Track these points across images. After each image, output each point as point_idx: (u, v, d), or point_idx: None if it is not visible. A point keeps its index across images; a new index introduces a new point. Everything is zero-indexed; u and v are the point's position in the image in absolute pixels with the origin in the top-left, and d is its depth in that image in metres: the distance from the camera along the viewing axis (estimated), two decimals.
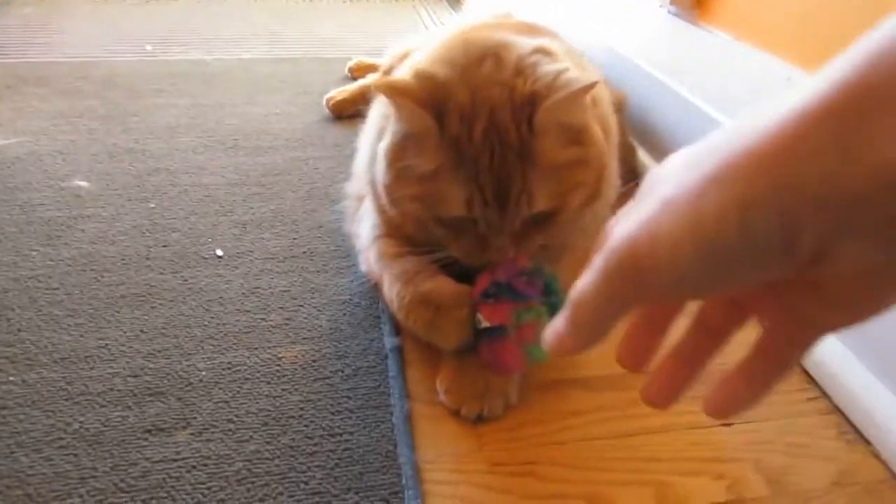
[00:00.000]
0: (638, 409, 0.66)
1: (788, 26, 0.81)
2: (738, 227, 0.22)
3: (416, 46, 1.07)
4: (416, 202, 0.61)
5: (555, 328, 0.29)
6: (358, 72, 1.37)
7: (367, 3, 2.11)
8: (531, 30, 0.76)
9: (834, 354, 0.69)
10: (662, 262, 0.24)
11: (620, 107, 0.96)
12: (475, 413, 0.62)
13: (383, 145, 0.63)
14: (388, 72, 1.09)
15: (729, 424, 0.65)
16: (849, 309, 0.25)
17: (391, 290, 0.67)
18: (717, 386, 0.30)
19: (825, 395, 0.69)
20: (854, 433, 0.64)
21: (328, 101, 1.23)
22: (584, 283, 0.27)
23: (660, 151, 1.02)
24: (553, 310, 0.59)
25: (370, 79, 1.16)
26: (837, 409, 0.67)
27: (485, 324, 0.60)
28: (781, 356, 0.28)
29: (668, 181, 0.24)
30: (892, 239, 0.21)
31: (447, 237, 0.63)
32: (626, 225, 0.25)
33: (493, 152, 0.57)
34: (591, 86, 0.57)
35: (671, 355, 0.32)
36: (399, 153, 0.61)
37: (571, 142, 0.60)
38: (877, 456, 0.62)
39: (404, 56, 1.03)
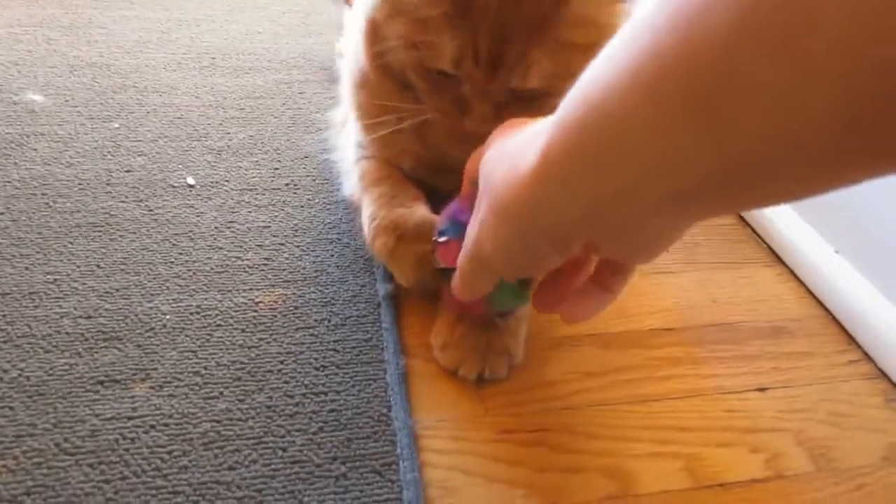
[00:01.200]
0: (662, 370, 0.59)
1: None
2: (525, 247, 0.36)
3: None
4: (402, 45, 0.54)
5: (454, 283, 0.46)
6: None
7: None
8: None
9: (877, 311, 0.62)
10: (493, 258, 0.39)
11: None
12: (475, 373, 0.55)
13: None
14: None
15: (763, 389, 0.58)
16: (635, 256, 0.36)
17: (365, 213, 0.61)
18: (573, 297, 0.43)
19: (868, 357, 0.62)
20: None
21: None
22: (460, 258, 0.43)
23: None
24: None
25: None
26: (883, 374, 0.60)
27: (441, 264, 0.51)
28: (615, 270, 0.42)
29: (487, 197, 0.37)
30: (621, 227, 0.31)
31: (427, 91, 0.56)
32: (472, 229, 0.40)
33: (503, 8, 0.50)
34: None
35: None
36: None
37: (590, 29, 0.52)
38: None
39: None
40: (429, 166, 0.64)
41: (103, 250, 0.63)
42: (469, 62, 0.51)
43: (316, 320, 0.58)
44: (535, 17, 0.50)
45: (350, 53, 0.67)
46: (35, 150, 0.77)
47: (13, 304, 0.56)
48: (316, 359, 0.54)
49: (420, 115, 0.57)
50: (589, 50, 0.51)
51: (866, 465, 0.53)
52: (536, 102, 0.54)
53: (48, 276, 0.59)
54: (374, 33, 0.56)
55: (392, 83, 0.59)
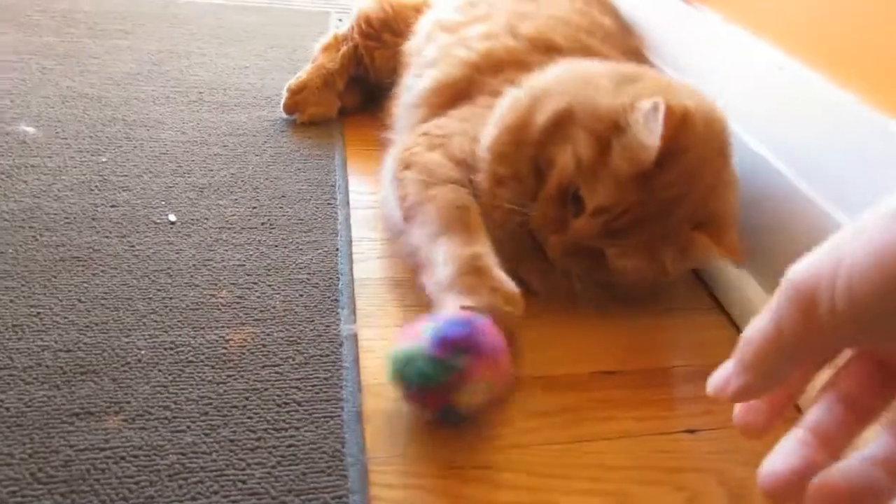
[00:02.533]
0: (600, 411, 0.63)
1: (779, 11, 0.77)
2: None
3: (407, 2, 1.01)
4: (574, 163, 0.65)
5: (722, 370, 0.27)
6: None
7: None
8: None
9: None
10: (840, 290, 0.21)
11: None
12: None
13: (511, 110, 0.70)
14: (372, 37, 1.02)
15: (693, 431, 0.63)
16: None
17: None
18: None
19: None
20: None
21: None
22: (758, 318, 0.25)
23: None
24: None
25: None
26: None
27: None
28: None
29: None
30: None
31: (545, 200, 0.67)
32: (810, 256, 0.23)
33: (666, 201, 0.63)
34: None
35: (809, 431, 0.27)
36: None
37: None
38: None
39: (390, 22, 0.98)
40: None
41: (85, 285, 0.67)
42: (604, 216, 0.63)
43: (281, 358, 0.62)
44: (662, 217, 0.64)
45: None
46: (25, 182, 0.81)
47: None
48: (279, 395, 0.58)
49: (523, 207, 0.68)
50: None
51: None
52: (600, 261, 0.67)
53: (31, 309, 0.63)
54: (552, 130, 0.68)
55: (528, 169, 0.69)
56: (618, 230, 0.64)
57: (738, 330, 0.75)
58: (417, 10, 1.01)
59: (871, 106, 0.63)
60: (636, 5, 1.02)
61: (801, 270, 0.23)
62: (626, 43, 0.90)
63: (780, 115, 0.75)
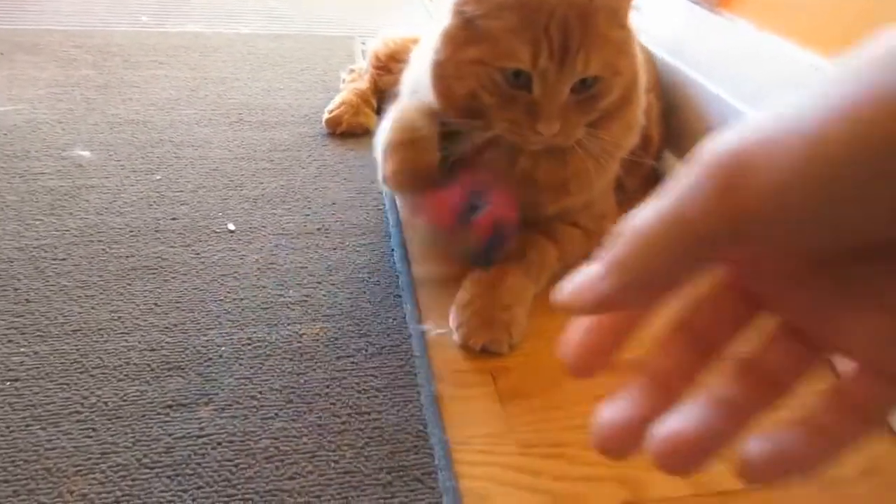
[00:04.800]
0: None
1: (812, 15, 0.81)
2: (879, 158, 0.15)
3: (407, 38, 1.08)
4: (476, 64, 0.66)
5: (586, 271, 0.20)
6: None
7: None
8: None
9: None
10: (779, 174, 0.16)
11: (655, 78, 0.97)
12: (480, 344, 0.66)
13: (443, 27, 0.69)
14: (382, 67, 1.08)
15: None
16: None
17: (390, 114, 0.75)
18: (762, 441, 0.21)
19: None
20: None
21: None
22: (649, 208, 0.19)
23: (677, 142, 1.01)
24: None
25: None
26: None
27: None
28: (867, 406, 0.20)
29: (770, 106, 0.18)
30: None
31: (498, 105, 0.67)
32: (719, 138, 0.18)
33: (563, 13, 0.63)
34: None
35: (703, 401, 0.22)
36: (466, 24, 0.67)
37: (618, 25, 0.67)
38: None
39: (394, 54, 1.04)
40: None
41: (159, 290, 0.70)
42: (544, 57, 0.63)
43: (354, 349, 0.64)
44: (579, 13, 0.64)
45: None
46: (87, 200, 0.84)
47: (84, 339, 0.63)
48: (357, 383, 0.61)
49: (485, 134, 0.69)
50: (621, 47, 0.68)
51: (847, 477, 0.59)
52: (590, 105, 0.67)
53: (112, 314, 0.66)
54: (446, 70, 0.69)
55: (461, 112, 0.70)
56: (569, 51, 0.64)
57: None
58: (415, 43, 1.06)
59: None
60: (670, 25, 1.06)
61: (729, 141, 0.18)
62: None
63: None
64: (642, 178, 0.92)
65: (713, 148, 0.18)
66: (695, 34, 1.01)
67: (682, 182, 0.18)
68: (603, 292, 0.19)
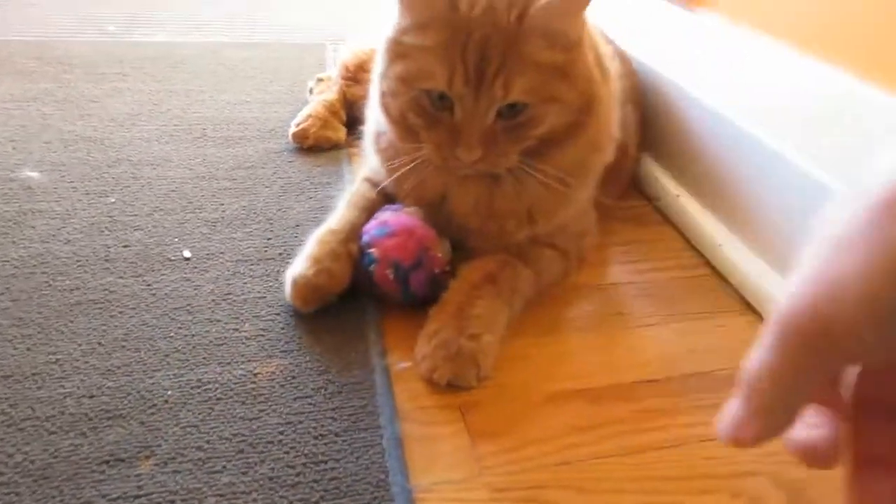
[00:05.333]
0: (647, 422, 0.61)
1: (784, 6, 0.77)
2: None
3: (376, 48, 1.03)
4: (401, 82, 0.63)
5: (731, 414, 0.24)
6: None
7: None
8: None
9: None
10: (854, 310, 0.20)
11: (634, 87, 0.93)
12: (445, 379, 0.62)
13: (384, 35, 0.66)
14: (351, 78, 1.04)
15: None
16: None
17: (322, 227, 0.72)
18: None
19: None
20: None
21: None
22: (755, 360, 0.23)
23: (657, 146, 0.97)
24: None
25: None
26: None
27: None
28: None
29: (829, 224, 0.21)
30: None
31: (423, 127, 0.64)
32: (792, 284, 0.21)
33: (483, 35, 0.59)
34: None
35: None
36: (398, 40, 0.64)
37: (557, 48, 0.62)
38: None
39: (363, 64, 1.00)
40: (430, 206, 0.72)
41: (104, 327, 0.65)
42: (459, 80, 0.60)
43: (313, 389, 0.60)
44: (507, 36, 0.59)
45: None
46: (33, 227, 0.79)
47: (16, 386, 0.58)
48: (315, 427, 0.56)
49: (420, 155, 0.66)
50: (560, 72, 0.62)
51: None
52: (521, 133, 0.63)
53: (50, 357, 0.61)
54: (385, 85, 0.66)
55: (399, 129, 0.68)
56: (487, 75, 0.60)
57: None
58: None
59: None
60: (644, 22, 1.02)
61: (795, 312, 0.21)
62: None
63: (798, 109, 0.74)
64: (621, 190, 0.88)
65: (782, 303, 0.22)
66: (669, 33, 0.98)
67: (768, 337, 0.22)
68: (757, 434, 0.24)
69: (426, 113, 0.64)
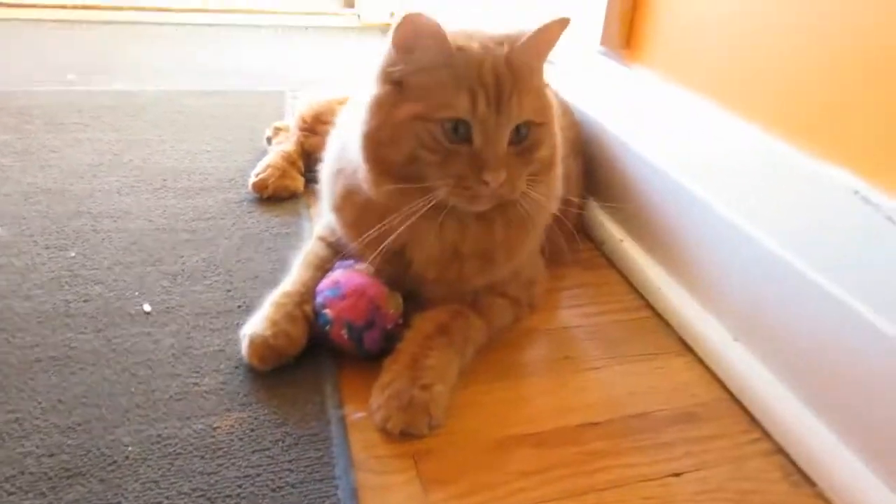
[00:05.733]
0: (591, 463, 0.65)
1: (719, 67, 0.83)
2: None
3: (332, 99, 1.07)
4: (415, 121, 0.66)
5: None
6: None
7: (297, 36, 2.08)
8: None
9: (774, 392, 0.70)
10: None
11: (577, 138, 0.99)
12: (398, 428, 0.64)
13: (369, 97, 0.68)
14: (308, 129, 1.08)
15: (678, 474, 0.65)
16: None
17: (279, 288, 0.76)
18: None
19: (767, 435, 0.69)
20: (798, 474, 0.65)
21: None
22: None
23: (602, 190, 1.03)
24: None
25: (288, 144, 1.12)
26: (780, 450, 0.68)
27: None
28: None
29: None
30: None
31: (439, 163, 0.66)
32: None
33: (492, 63, 0.66)
34: (557, 24, 0.67)
35: None
36: (396, 86, 0.67)
37: (538, 79, 0.70)
38: (822, 497, 0.63)
39: (319, 115, 1.04)
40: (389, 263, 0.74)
41: (64, 384, 0.66)
42: (482, 103, 0.65)
43: (270, 441, 0.62)
44: (508, 65, 0.66)
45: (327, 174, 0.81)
46: None
47: None
48: (272, 480, 0.58)
49: (430, 200, 0.67)
50: (545, 99, 0.71)
51: None
52: (527, 156, 0.69)
53: (9, 415, 0.62)
54: (383, 135, 0.67)
55: (399, 180, 0.68)
56: (504, 95, 0.65)
57: (708, 369, 0.78)
58: (341, 103, 1.05)
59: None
60: (585, 76, 1.09)
61: None
62: None
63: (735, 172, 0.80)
64: (565, 238, 0.93)
65: None
66: (608, 86, 1.04)
67: None
68: None
69: (442, 148, 0.66)
